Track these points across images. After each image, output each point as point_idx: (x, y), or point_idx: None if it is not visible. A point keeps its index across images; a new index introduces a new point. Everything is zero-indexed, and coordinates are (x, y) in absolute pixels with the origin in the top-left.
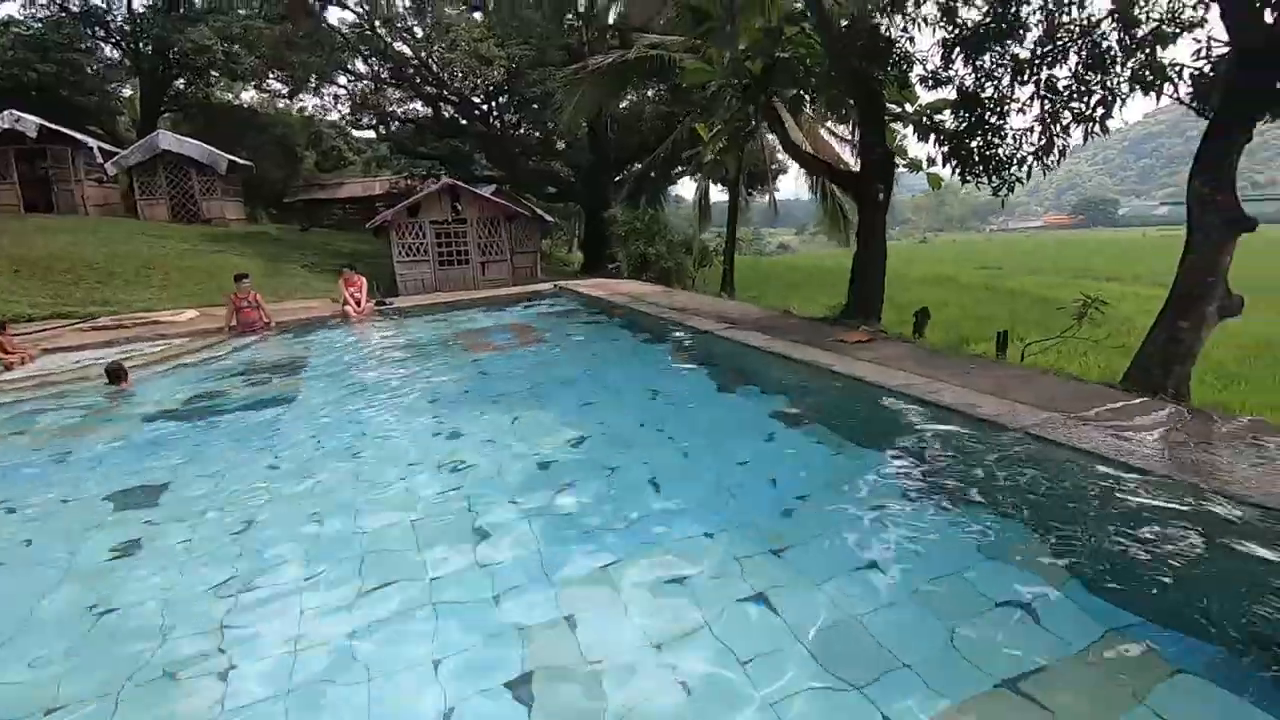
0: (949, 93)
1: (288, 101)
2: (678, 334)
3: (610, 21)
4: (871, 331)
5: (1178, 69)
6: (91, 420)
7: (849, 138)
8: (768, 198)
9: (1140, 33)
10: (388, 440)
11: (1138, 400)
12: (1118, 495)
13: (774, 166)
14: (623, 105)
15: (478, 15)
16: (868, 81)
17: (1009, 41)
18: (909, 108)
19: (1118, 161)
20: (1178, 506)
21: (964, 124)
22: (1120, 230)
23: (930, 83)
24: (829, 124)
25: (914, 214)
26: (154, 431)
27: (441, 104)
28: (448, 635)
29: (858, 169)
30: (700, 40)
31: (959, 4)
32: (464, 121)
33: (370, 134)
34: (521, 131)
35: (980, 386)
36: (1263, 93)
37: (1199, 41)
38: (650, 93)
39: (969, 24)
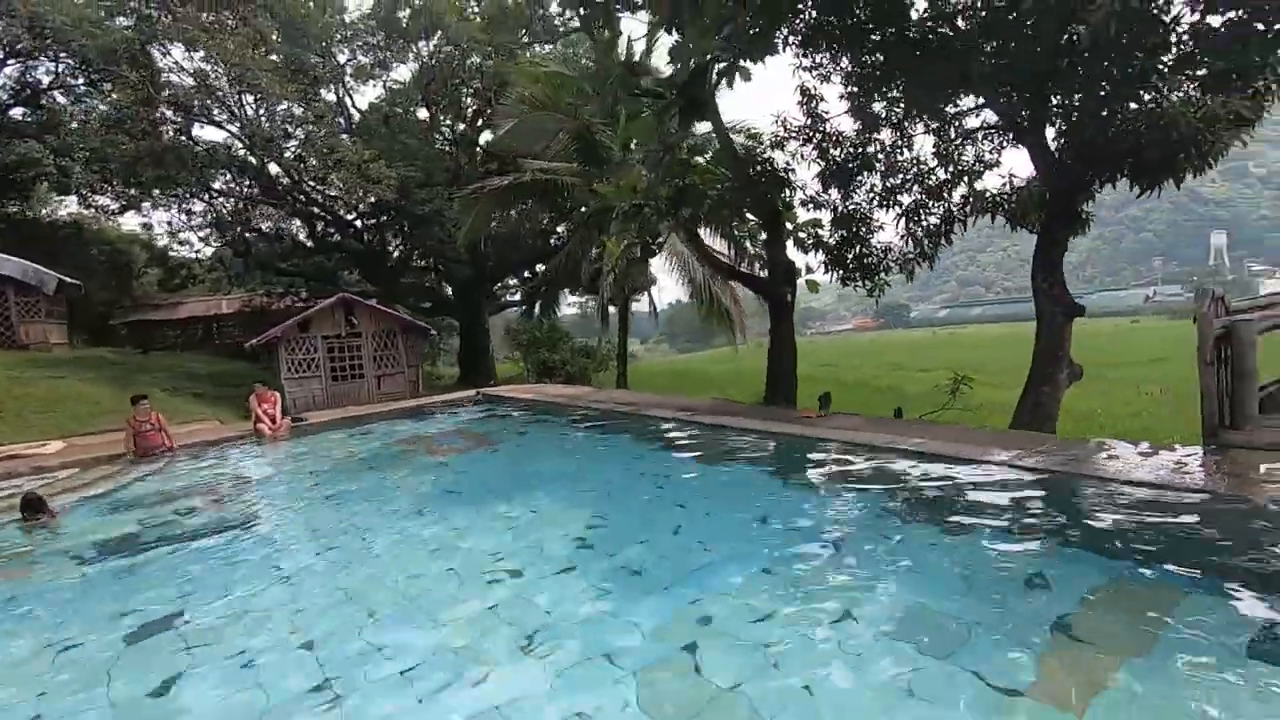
0: (824, 214)
1: (118, 217)
2: (647, 424)
3: (480, 145)
4: (822, 410)
5: (1005, 196)
6: (18, 562)
7: (723, 251)
8: (647, 308)
9: (961, 169)
10: (400, 543)
11: (1059, 439)
12: (1075, 493)
13: (641, 278)
14: (494, 223)
15: (345, 138)
16: (773, 203)
17: (867, 174)
18: (789, 225)
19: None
20: (1135, 495)
21: (841, 239)
22: (914, 330)
23: (811, 205)
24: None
25: (748, 320)
26: (110, 565)
27: (315, 220)
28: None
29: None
30: (591, 168)
31: (829, 145)
32: (338, 237)
33: (225, 249)
34: (401, 247)
35: (944, 438)
36: (1068, 214)
37: (1003, 177)
38: (520, 210)
39: (837, 159)
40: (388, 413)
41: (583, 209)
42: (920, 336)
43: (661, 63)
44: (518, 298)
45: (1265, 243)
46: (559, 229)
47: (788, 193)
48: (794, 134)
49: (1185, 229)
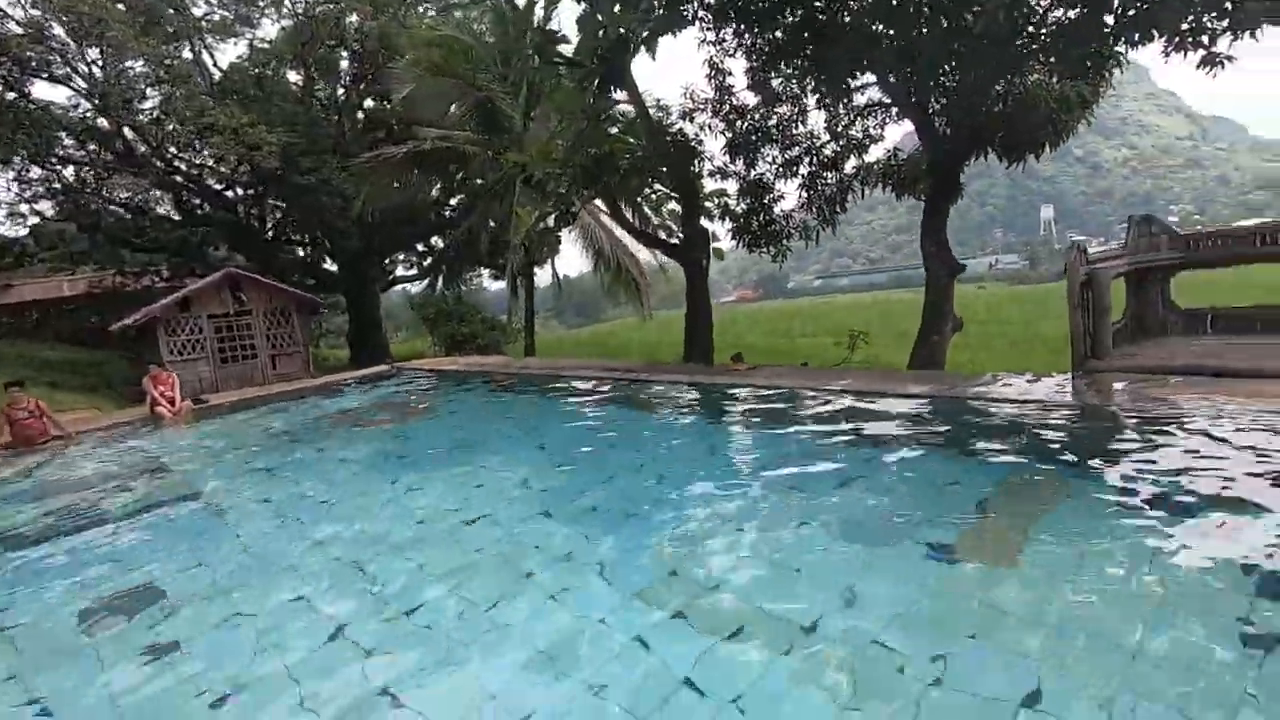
0: (730, 184)
1: None
2: (584, 383)
3: (364, 110)
4: (747, 363)
5: (894, 167)
6: None
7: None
8: (544, 281)
9: (850, 143)
10: (364, 508)
11: (963, 374)
12: (981, 414)
13: (546, 249)
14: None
15: (207, 99)
16: (686, 171)
17: (768, 146)
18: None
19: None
20: (998, 410)
21: (747, 207)
22: (791, 300)
23: (719, 175)
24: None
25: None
26: (60, 549)
27: (181, 191)
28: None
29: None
30: (491, 137)
31: (735, 118)
32: (207, 209)
33: (66, 224)
34: (280, 219)
35: (865, 379)
36: (950, 184)
37: (888, 150)
38: (414, 180)
39: (742, 131)
40: (297, 391)
41: (479, 180)
42: (798, 305)
43: (559, 27)
44: (412, 273)
45: (1083, 215)
46: (453, 201)
47: (697, 164)
48: (702, 106)
49: (1020, 204)
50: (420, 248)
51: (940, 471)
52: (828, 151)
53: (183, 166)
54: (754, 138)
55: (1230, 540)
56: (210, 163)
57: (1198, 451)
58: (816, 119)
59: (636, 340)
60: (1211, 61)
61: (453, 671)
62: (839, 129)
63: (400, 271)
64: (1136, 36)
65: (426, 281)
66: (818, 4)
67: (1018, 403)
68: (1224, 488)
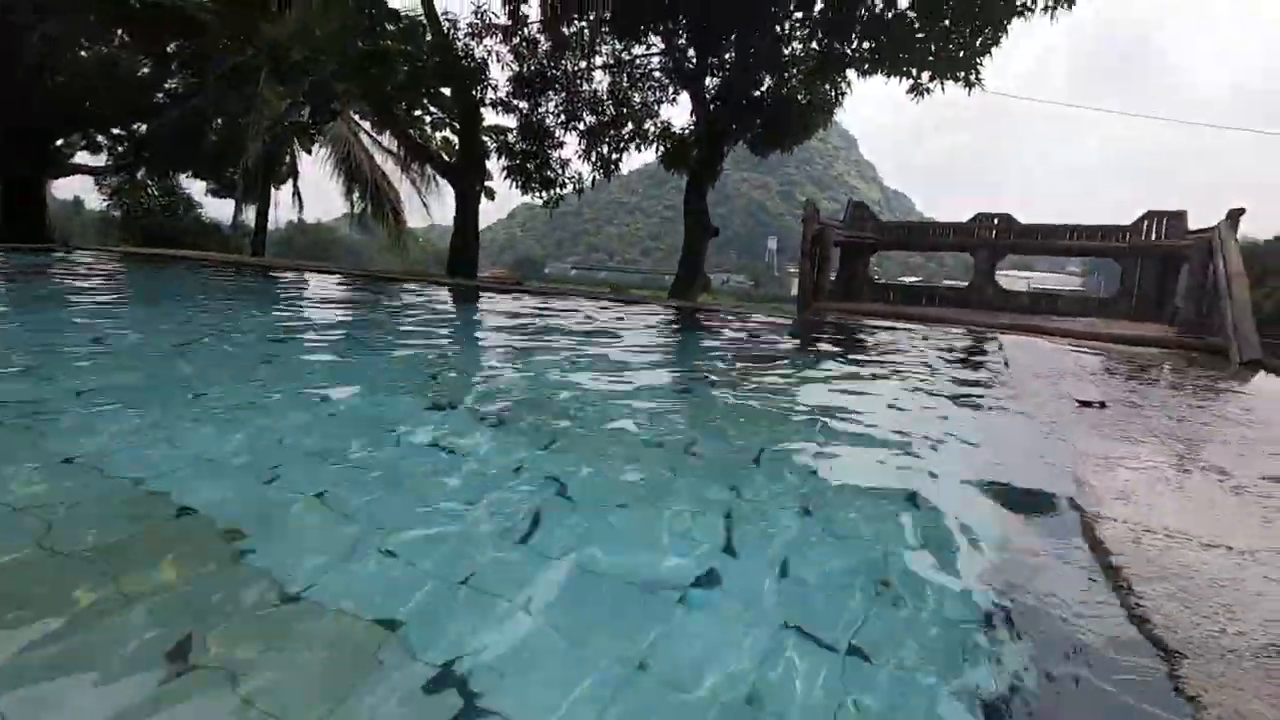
0: (511, 120)
1: None
2: (330, 279)
3: None
4: (515, 275)
5: (664, 138)
6: None
7: (391, 147)
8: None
9: (630, 110)
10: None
11: (704, 302)
12: (728, 322)
13: (289, 161)
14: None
15: None
16: (469, 95)
17: (553, 91)
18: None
19: (542, 231)
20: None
21: (525, 149)
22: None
23: (501, 109)
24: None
25: (392, 255)
26: None
27: None
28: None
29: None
30: (233, 11)
31: (525, 51)
32: None
33: None
34: None
35: (625, 300)
36: (714, 155)
37: (661, 124)
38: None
39: (530, 68)
40: None
41: (207, 59)
42: (559, 286)
43: None
44: (101, 161)
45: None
46: (170, 84)
47: (480, 90)
48: (493, 30)
49: (755, 234)
50: (116, 131)
51: (696, 343)
52: (607, 112)
53: None
54: (539, 81)
55: (863, 388)
56: None
57: (868, 344)
58: (602, 81)
59: None
60: (918, 90)
61: None
62: (620, 95)
63: (85, 160)
64: (866, 67)
65: (120, 178)
66: None
67: (757, 320)
68: (876, 359)
